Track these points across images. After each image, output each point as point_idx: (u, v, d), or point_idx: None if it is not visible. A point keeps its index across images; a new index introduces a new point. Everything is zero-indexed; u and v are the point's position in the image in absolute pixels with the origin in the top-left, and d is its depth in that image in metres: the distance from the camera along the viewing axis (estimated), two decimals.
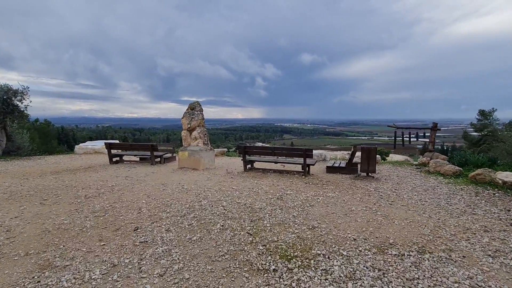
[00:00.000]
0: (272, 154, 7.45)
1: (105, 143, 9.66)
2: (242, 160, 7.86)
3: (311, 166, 7.53)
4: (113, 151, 10.17)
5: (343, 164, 8.43)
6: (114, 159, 9.90)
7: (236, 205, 4.88)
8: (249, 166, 8.01)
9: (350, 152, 9.14)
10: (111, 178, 7.32)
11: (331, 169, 8.15)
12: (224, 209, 4.66)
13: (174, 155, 11.06)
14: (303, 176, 7.16)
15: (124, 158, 10.37)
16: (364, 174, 7.23)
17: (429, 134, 10.44)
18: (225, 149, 13.73)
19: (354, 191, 5.78)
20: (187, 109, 8.81)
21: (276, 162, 7.66)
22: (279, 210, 4.58)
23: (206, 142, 8.78)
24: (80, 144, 14.65)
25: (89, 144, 14.39)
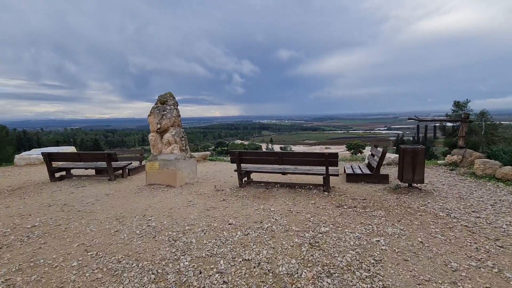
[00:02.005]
0: (278, 162, 5.33)
1: (42, 154, 7.01)
2: (236, 171, 5.66)
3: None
4: (57, 164, 7.50)
5: (366, 170, 6.52)
6: (57, 175, 7.26)
7: (244, 268, 2.70)
8: (245, 178, 5.83)
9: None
10: (39, 208, 4.81)
11: (352, 178, 6.20)
12: (225, 282, 2.48)
13: (143, 163, 8.59)
14: (325, 192, 5.12)
15: (74, 171, 7.74)
16: (405, 184, 5.34)
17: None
18: (208, 153, 11.40)
19: (419, 219, 3.81)
20: (155, 104, 6.42)
21: (284, 173, 5.55)
22: (327, 279, 2.48)
23: (184, 148, 6.46)
24: (22, 153, 11.59)
25: (33, 153, 11.38)
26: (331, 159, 4.95)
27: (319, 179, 6.29)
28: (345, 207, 4.29)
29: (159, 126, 6.06)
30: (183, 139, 6.44)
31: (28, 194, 5.95)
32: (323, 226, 3.54)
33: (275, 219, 3.88)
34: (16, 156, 11.23)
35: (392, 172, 7.20)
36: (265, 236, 3.35)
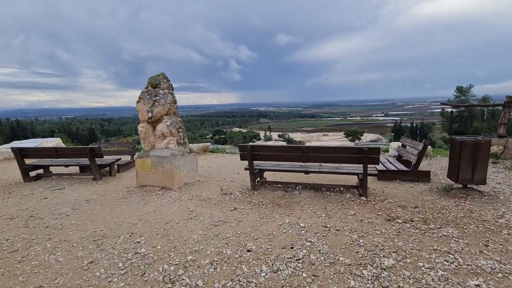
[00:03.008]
0: (301, 159, 4.24)
1: (12, 149, 5.85)
2: (247, 169, 4.57)
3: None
4: (31, 161, 6.35)
5: (400, 165, 5.48)
6: (32, 173, 6.14)
7: None
8: (257, 178, 4.74)
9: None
10: None
11: (385, 175, 5.16)
12: None
13: (135, 158, 7.46)
14: (362, 197, 4.06)
15: (53, 169, 6.61)
16: (459, 185, 4.30)
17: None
18: (208, 144, 10.28)
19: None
20: (146, 87, 5.23)
21: (307, 172, 4.46)
22: None
23: (182, 141, 5.33)
24: (0, 146, 10.38)
25: (20, 145, 10.17)
26: (371, 156, 3.86)
27: (350, 179, 5.24)
28: (399, 220, 3.24)
29: (150, 114, 4.90)
30: (180, 130, 5.30)
31: None
32: (384, 257, 2.49)
33: (310, 241, 2.83)
34: None
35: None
36: (304, 275, 2.30)
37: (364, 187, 4.01)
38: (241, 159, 4.59)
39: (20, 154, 5.87)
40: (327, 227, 3.13)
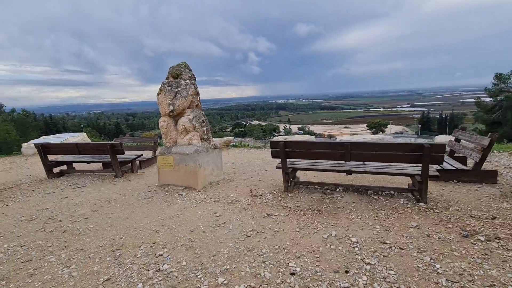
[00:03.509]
0: (344, 157, 3.62)
1: (35, 145, 5.73)
2: (279, 167, 4.03)
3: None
4: (53, 157, 6.24)
5: (456, 163, 4.68)
6: (55, 170, 6.02)
7: None
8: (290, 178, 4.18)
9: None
10: (16, 225, 3.51)
11: (441, 175, 4.40)
12: None
13: (157, 154, 7.19)
14: (420, 203, 3.38)
15: (76, 166, 6.47)
16: None
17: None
18: (231, 138, 9.84)
19: None
20: (166, 78, 4.80)
21: (349, 172, 3.84)
22: None
23: (205, 136, 4.88)
24: (30, 142, 10.62)
25: (41, 142, 10.37)
26: (435, 154, 3.17)
27: (397, 180, 4.53)
28: (480, 237, 2.56)
29: (171, 108, 4.48)
30: (203, 124, 4.85)
31: (15, 198, 4.71)
32: None
33: (369, 264, 2.25)
34: (23, 144, 10.28)
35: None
36: None
37: (423, 191, 3.33)
38: (273, 157, 4.05)
39: (43, 150, 5.75)
40: (386, 243, 2.53)
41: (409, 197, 3.61)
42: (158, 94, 4.66)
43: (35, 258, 2.73)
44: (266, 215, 3.33)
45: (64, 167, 6.22)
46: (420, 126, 71.95)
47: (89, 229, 3.29)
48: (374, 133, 74.28)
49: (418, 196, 3.43)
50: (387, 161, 3.65)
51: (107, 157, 5.69)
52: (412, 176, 3.53)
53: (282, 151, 3.82)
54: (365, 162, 3.93)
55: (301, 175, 4.86)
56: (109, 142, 5.43)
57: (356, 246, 2.51)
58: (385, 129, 77.21)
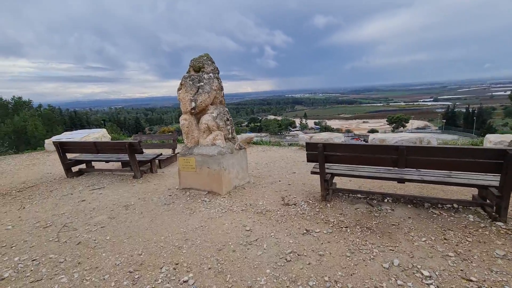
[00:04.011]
0: (397, 163, 3.03)
1: (54, 143, 5.54)
2: (316, 173, 3.50)
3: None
4: (72, 155, 6.04)
5: None
6: (74, 169, 5.82)
7: None
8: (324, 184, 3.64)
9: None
10: (30, 233, 3.23)
11: None
12: None
13: (177, 155, 6.86)
14: (497, 222, 2.75)
15: (95, 164, 6.26)
16: None
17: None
18: (252, 135, 9.37)
19: None
20: (187, 72, 4.37)
21: (401, 181, 3.24)
22: None
23: (230, 135, 4.42)
24: (53, 137, 10.68)
25: (63, 138, 10.41)
26: None
27: (458, 190, 3.86)
28: None
29: (193, 104, 4.04)
30: (228, 123, 4.39)
31: (33, 199, 4.51)
32: None
33: None
34: (46, 141, 10.34)
35: None
36: None
37: (502, 208, 2.69)
38: (308, 161, 3.53)
39: (62, 148, 5.54)
40: (471, 280, 1.96)
41: (479, 213, 2.98)
42: (179, 89, 4.24)
43: (45, 277, 2.40)
44: (305, 231, 2.83)
45: (83, 166, 6.02)
46: (445, 121, 68.19)
47: (105, 241, 2.94)
48: (395, 128, 71.22)
49: (493, 213, 2.80)
50: (449, 169, 3.03)
51: (125, 157, 5.40)
52: (483, 187, 2.89)
53: (321, 154, 3.28)
54: (421, 170, 3.31)
55: (338, 181, 4.30)
56: (127, 141, 5.12)
57: (432, 284, 1.96)
58: (406, 124, 73.97)
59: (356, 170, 3.52)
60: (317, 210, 3.30)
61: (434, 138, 6.30)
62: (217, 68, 4.48)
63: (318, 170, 3.47)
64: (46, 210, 3.98)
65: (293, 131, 79.57)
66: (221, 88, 4.43)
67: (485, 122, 56.42)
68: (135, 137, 7.14)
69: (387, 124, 79.53)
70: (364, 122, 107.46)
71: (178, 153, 7.02)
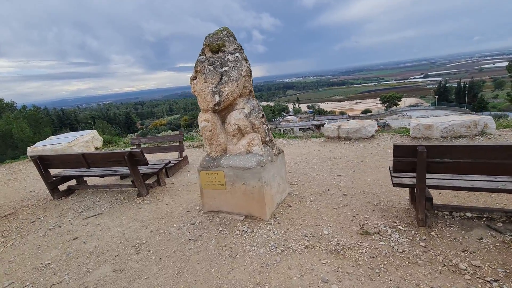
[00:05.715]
0: None
1: (31, 158, 4.31)
2: (401, 185, 2.44)
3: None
4: (55, 171, 4.83)
5: None
6: (62, 187, 4.64)
7: None
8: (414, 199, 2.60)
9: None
10: None
11: None
12: None
13: (185, 156, 5.69)
14: None
15: (88, 179, 5.08)
16: None
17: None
18: None
19: None
20: (202, 52, 3.17)
21: None
22: None
23: (268, 138, 3.29)
24: (36, 145, 9.32)
25: (48, 144, 9.08)
26: None
27: None
28: None
29: (218, 98, 2.88)
30: (264, 120, 3.25)
31: (8, 236, 3.38)
32: None
33: None
34: (29, 148, 9.00)
35: None
36: None
37: None
38: (396, 170, 2.45)
39: (42, 164, 4.33)
40: None
41: None
42: (193, 78, 3.06)
43: None
44: None
45: (73, 182, 4.85)
46: (437, 97, 67.78)
47: None
48: (388, 107, 70.49)
49: None
50: None
51: (125, 170, 4.24)
52: None
53: (423, 163, 2.21)
54: None
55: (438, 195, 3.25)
56: (127, 150, 3.93)
57: None
58: (399, 102, 73.63)
59: (465, 180, 2.46)
60: (422, 244, 2.26)
61: (492, 119, 5.30)
62: (240, 46, 3.29)
63: (409, 182, 2.41)
64: (25, 259, 2.86)
65: (287, 116, 78.23)
66: (250, 74, 3.25)
67: (477, 96, 56.18)
68: (133, 140, 5.93)
69: (380, 104, 79.06)
70: (356, 103, 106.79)
71: (186, 156, 5.89)
